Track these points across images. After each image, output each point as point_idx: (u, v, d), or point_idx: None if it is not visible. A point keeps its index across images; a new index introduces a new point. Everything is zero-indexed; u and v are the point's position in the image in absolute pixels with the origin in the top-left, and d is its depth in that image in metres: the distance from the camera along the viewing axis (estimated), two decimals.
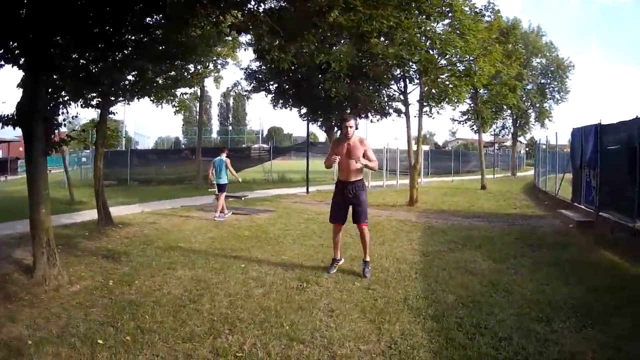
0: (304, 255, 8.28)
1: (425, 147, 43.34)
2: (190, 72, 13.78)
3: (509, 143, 58.65)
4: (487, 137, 37.32)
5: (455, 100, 16.87)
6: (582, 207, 12.83)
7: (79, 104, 10.22)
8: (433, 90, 16.80)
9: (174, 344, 4.39)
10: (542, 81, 40.56)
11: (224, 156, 13.19)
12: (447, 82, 16.63)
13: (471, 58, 15.84)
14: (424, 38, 14.99)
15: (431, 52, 15.58)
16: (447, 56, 16.00)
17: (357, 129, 7.07)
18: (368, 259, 7.18)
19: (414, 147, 17.49)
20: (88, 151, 28.44)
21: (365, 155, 6.89)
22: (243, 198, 14.75)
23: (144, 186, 24.72)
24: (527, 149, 71.83)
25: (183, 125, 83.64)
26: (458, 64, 16.47)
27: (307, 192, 20.78)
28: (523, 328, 4.88)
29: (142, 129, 55.05)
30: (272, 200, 17.51)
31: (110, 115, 11.92)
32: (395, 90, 19.13)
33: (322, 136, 56.14)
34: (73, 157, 30.36)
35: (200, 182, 23.20)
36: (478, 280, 6.69)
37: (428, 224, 12.11)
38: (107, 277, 6.64)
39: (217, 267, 7.29)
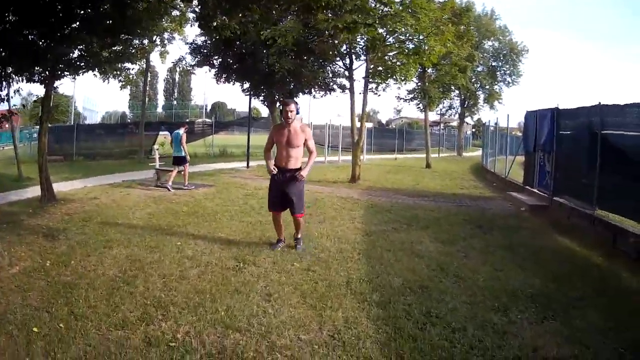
0: (242, 232, 7.97)
1: (369, 125, 43.45)
2: (135, 46, 13.89)
3: (455, 123, 59.53)
4: (433, 116, 37.36)
5: (402, 78, 16.66)
6: (535, 190, 12.76)
7: (23, 78, 10.24)
8: (380, 68, 16.59)
9: (106, 332, 4.11)
10: (494, 64, 40.88)
11: (182, 130, 13.76)
12: (394, 60, 16.39)
13: (421, 37, 15.56)
14: (378, 5, 14.45)
15: (380, 30, 15.19)
16: (396, 34, 15.66)
17: (298, 113, 6.80)
18: (300, 236, 7.11)
19: (358, 124, 17.27)
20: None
21: (305, 144, 6.84)
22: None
23: (89, 161, 24.44)
24: (473, 129, 73.22)
25: (130, 100, 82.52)
26: (407, 42, 16.20)
27: (248, 166, 20.72)
28: (478, 318, 4.58)
29: (91, 104, 54.43)
30: (213, 175, 17.27)
31: (58, 90, 12.12)
32: (340, 67, 18.79)
33: (264, 111, 56.35)
34: (25, 133, 30.18)
35: (143, 156, 23.44)
36: (425, 264, 6.37)
37: (371, 202, 11.85)
38: (45, 257, 6.29)
39: (153, 245, 6.92)
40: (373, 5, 14.19)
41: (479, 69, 37.66)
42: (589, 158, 9.30)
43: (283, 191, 6.77)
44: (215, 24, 11.21)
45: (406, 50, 15.98)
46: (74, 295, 4.91)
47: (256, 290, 5.11)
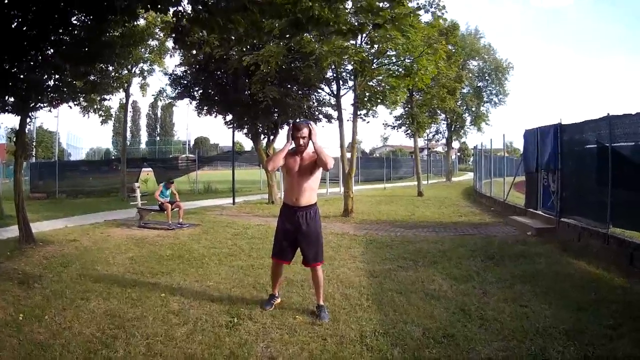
0: (233, 279, 7.34)
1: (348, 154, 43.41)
2: (112, 76, 13.91)
3: (439, 148, 59.73)
4: (419, 142, 37.45)
5: (392, 103, 16.43)
6: (539, 212, 12.44)
7: None
8: (368, 93, 16.31)
9: None
10: (479, 84, 40.95)
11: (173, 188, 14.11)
12: (382, 84, 16.16)
13: (410, 57, 15.15)
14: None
15: (367, 52, 14.97)
16: (386, 55, 15.42)
17: (311, 138, 5.58)
18: (322, 302, 5.82)
19: (347, 154, 16.94)
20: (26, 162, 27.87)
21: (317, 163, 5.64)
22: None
23: (72, 199, 24.53)
24: (458, 153, 73.64)
25: (113, 136, 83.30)
26: (398, 63, 15.85)
27: (234, 203, 20.42)
28: None
29: (75, 140, 54.64)
30: (198, 213, 16.80)
31: (43, 126, 11.88)
32: (327, 94, 18.60)
33: (247, 144, 56.73)
34: (11, 168, 29.49)
35: (125, 194, 23.27)
36: (443, 306, 5.85)
37: (369, 236, 11.39)
38: (19, 309, 5.84)
39: (135, 298, 6.32)
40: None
41: (465, 90, 37.61)
42: (600, 173, 9.07)
43: (294, 236, 5.72)
44: (191, 39, 10.92)
45: (396, 73, 15.64)
46: (47, 358, 4.45)
47: (256, 354, 4.51)
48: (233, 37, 9.05)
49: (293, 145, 5.60)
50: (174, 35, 7.29)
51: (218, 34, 7.13)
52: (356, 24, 7.67)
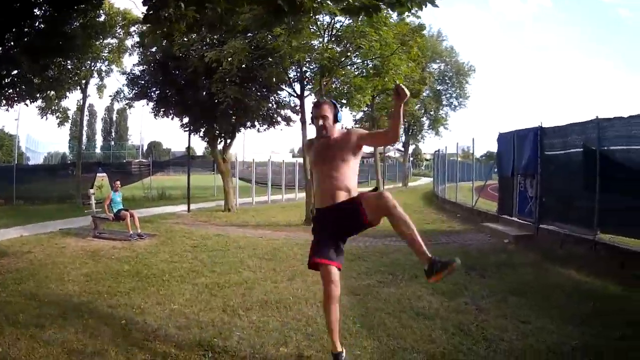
0: (199, 301, 6.66)
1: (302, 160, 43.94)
2: (70, 70, 14.38)
3: (391, 153, 60.09)
4: (369, 148, 37.57)
5: (357, 105, 16.19)
6: (515, 219, 12.33)
7: None
8: (335, 94, 16.03)
9: None
10: (439, 87, 41.30)
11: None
12: (348, 85, 15.95)
13: (379, 56, 14.91)
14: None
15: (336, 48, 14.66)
16: (357, 53, 15.13)
17: (338, 120, 4.58)
18: None
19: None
20: None
21: (368, 141, 4.78)
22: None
23: (29, 205, 23.83)
24: (411, 158, 74.45)
25: (70, 140, 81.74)
26: (368, 61, 15.62)
27: (189, 210, 20.10)
28: None
29: (34, 144, 53.58)
30: (153, 221, 16.24)
31: (2, 128, 11.78)
32: (289, 94, 18.29)
33: (199, 149, 57.46)
34: None
35: (80, 200, 22.56)
36: (440, 327, 5.40)
37: None
38: None
39: (93, 326, 5.56)
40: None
41: (425, 93, 37.70)
42: (586, 178, 9.02)
43: (337, 233, 4.53)
44: (166, 14, 10.41)
45: (364, 73, 15.43)
46: None
47: None
48: (203, 25, 8.61)
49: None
50: (146, 8, 6.72)
51: (195, 5, 6.55)
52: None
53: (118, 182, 14.20)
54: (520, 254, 9.71)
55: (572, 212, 9.65)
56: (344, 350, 4.43)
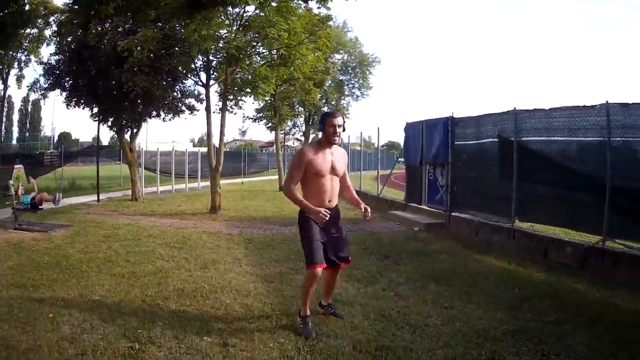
0: (117, 291, 6.48)
1: (204, 149, 43.40)
2: None
3: (290, 143, 60.09)
4: (269, 136, 37.49)
5: (262, 94, 16.07)
6: (424, 207, 12.45)
7: None
8: (239, 82, 16.12)
9: None
10: (342, 78, 41.37)
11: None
12: (253, 74, 15.72)
13: (287, 45, 14.64)
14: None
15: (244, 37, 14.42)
16: (265, 41, 14.73)
17: (344, 130, 5.03)
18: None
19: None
20: None
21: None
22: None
23: None
24: None
25: None
26: (274, 51, 15.49)
27: (98, 200, 19.58)
28: None
29: None
30: (67, 212, 15.59)
31: None
32: (195, 82, 18.06)
33: (105, 139, 56.16)
34: None
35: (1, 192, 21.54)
36: (361, 314, 5.37)
37: (245, 236, 10.81)
38: None
39: (23, 321, 5.28)
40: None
41: (327, 83, 37.74)
42: (503, 167, 9.14)
43: (331, 237, 5.14)
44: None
45: (272, 61, 15.29)
46: None
47: None
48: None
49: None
50: None
51: None
52: None
53: (34, 181, 13.87)
54: (435, 242, 9.77)
55: (488, 201, 9.78)
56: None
